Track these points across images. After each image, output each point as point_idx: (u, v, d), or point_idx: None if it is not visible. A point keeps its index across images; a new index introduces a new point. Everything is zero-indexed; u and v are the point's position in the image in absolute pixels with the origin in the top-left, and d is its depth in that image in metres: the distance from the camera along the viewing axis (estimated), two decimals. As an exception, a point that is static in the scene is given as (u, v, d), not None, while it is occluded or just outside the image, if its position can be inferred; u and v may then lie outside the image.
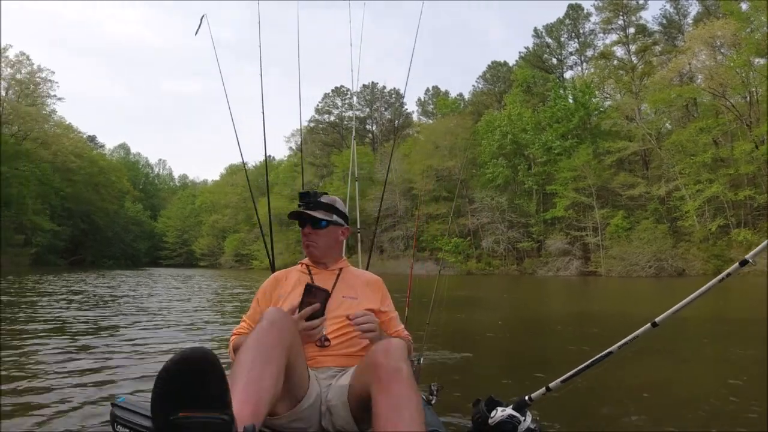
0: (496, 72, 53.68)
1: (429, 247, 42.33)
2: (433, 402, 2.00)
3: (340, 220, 2.02)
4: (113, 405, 1.24)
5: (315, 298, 1.63)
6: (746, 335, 6.45)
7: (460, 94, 57.18)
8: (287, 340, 1.42)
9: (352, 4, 4.19)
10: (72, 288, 13.55)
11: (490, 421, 1.60)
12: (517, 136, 39.81)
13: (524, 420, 1.60)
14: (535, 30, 48.80)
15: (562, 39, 47.43)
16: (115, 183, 61.38)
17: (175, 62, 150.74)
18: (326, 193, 2.04)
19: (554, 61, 48.74)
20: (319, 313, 1.64)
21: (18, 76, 44.84)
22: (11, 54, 44.25)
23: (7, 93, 44.19)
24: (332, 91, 58.63)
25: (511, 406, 1.63)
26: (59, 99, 50.02)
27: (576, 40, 46.69)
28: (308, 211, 1.95)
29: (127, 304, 9.56)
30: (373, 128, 61.37)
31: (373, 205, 44.59)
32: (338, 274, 1.99)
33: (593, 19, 44.85)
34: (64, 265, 41.78)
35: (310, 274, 1.98)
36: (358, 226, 3.60)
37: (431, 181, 43.20)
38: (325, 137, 57.61)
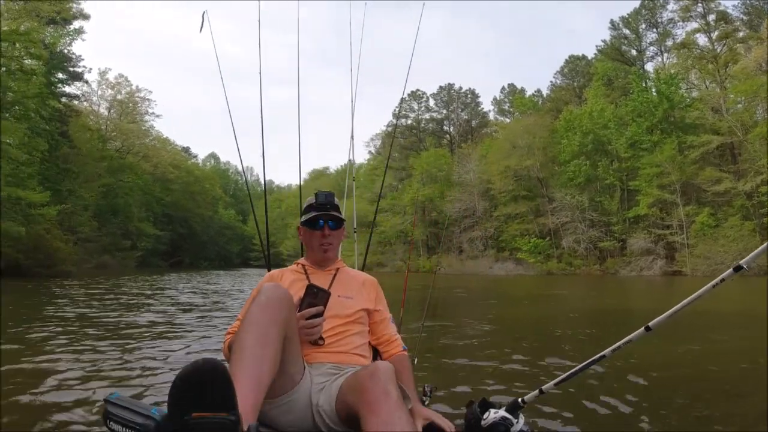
0: (575, 66, 51.92)
1: (508, 247, 41.38)
2: (426, 403, 1.99)
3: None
4: (106, 401, 1.23)
5: (317, 299, 1.64)
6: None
7: (538, 90, 55.51)
8: (284, 317, 1.47)
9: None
10: (188, 284, 15.92)
11: (482, 423, 1.60)
12: (598, 133, 38.24)
13: (517, 422, 1.60)
14: (612, 22, 47.07)
15: (641, 30, 45.11)
16: (209, 190, 65.08)
17: (260, 72, 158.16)
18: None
19: (633, 52, 46.49)
20: (320, 315, 1.67)
21: (119, 97, 48.50)
22: (111, 76, 48.25)
23: (109, 112, 48.12)
24: (409, 95, 58.90)
25: (504, 408, 1.63)
26: (157, 116, 54.24)
27: (654, 30, 44.28)
28: (333, 212, 1.96)
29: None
30: (450, 129, 60.92)
31: (451, 206, 44.46)
32: (334, 274, 2.00)
33: (670, 7, 42.49)
34: (165, 267, 45.17)
35: (306, 274, 1.98)
36: (354, 226, 3.58)
37: (510, 182, 42.18)
38: (403, 141, 57.99)
